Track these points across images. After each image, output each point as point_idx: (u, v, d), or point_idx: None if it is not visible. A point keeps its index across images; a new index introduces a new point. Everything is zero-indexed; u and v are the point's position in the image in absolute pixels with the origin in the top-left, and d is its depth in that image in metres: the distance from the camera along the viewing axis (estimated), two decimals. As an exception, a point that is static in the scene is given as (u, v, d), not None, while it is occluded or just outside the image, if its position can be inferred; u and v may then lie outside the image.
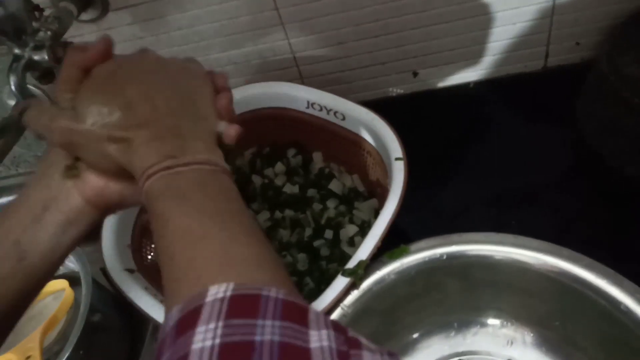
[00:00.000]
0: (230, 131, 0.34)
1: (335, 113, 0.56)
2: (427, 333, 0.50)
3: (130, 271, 0.50)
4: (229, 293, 0.23)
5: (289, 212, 0.59)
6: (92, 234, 0.35)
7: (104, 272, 0.50)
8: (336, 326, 0.24)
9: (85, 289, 0.56)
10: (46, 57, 0.48)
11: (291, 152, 0.63)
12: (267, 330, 0.22)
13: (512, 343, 0.49)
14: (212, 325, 0.22)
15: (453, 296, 0.49)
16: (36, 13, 0.50)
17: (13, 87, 0.47)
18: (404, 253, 0.47)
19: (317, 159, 0.62)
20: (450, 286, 0.48)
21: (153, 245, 0.56)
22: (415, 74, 0.68)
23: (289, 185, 0.60)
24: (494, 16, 0.61)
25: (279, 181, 0.61)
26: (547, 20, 0.61)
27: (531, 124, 0.65)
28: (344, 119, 0.56)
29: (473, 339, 0.50)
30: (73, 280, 0.63)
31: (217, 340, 0.21)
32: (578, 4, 0.60)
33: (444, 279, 0.48)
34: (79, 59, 0.32)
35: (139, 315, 0.47)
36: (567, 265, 0.43)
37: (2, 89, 0.56)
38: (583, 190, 0.58)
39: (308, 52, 0.65)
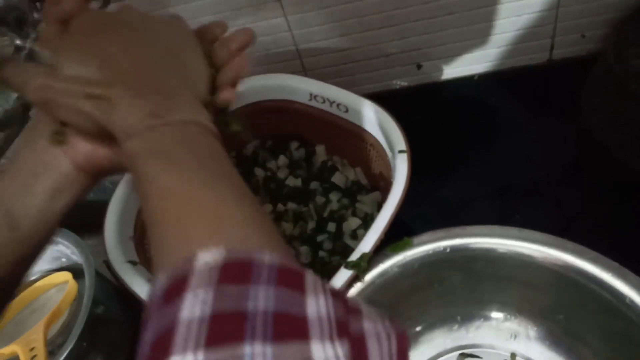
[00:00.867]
0: (225, 95, 0.33)
1: (338, 105, 0.55)
2: (430, 326, 0.50)
3: (133, 263, 0.50)
4: (219, 258, 0.21)
5: (291, 205, 0.58)
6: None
7: (107, 264, 0.50)
8: (335, 292, 0.23)
9: (88, 281, 0.56)
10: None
11: (294, 145, 0.63)
12: (261, 297, 0.21)
13: (515, 337, 0.49)
14: (201, 293, 0.20)
15: (456, 289, 0.49)
16: (37, 4, 0.50)
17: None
18: (407, 246, 0.46)
19: (320, 151, 0.62)
20: (454, 279, 0.48)
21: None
22: (419, 67, 0.68)
23: (292, 178, 0.60)
24: (499, 8, 0.60)
25: (281, 174, 0.61)
26: (552, 12, 0.61)
27: (536, 117, 0.65)
28: (346, 111, 0.55)
29: (476, 333, 0.50)
30: (76, 272, 0.63)
31: (207, 310, 0.20)
32: (584, -4, 0.59)
33: (447, 272, 0.48)
34: (54, 10, 0.31)
35: (142, 307, 0.47)
36: (572, 258, 0.43)
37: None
38: (588, 184, 0.58)
39: (311, 44, 0.64)
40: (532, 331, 0.48)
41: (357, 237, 0.55)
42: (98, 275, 0.57)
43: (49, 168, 0.31)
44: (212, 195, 0.25)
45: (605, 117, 0.58)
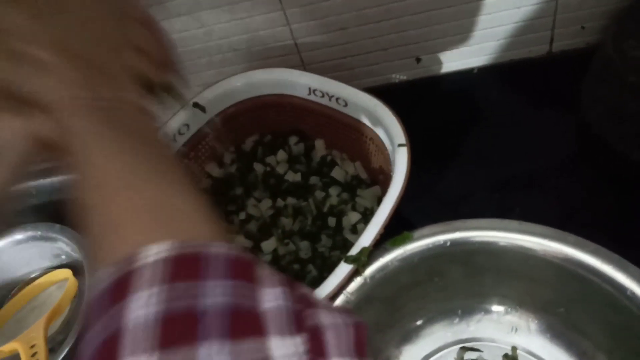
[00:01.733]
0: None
1: (337, 99, 0.55)
2: (431, 320, 0.50)
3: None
4: (167, 252, 0.20)
5: (291, 200, 0.58)
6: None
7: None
8: (289, 283, 0.22)
9: (88, 278, 0.56)
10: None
11: (293, 139, 0.63)
12: (214, 292, 0.19)
13: (516, 330, 0.49)
14: (149, 291, 0.19)
15: (456, 283, 0.49)
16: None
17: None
18: (407, 240, 0.46)
19: (319, 146, 0.62)
20: (454, 273, 0.48)
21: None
22: (418, 60, 0.68)
23: (291, 173, 0.60)
24: (498, 0, 0.60)
25: (280, 169, 0.60)
26: (552, 4, 0.60)
27: (536, 109, 0.64)
28: (346, 105, 0.55)
29: (477, 326, 0.50)
30: (76, 269, 0.63)
31: (158, 309, 0.19)
32: (584, -13, 0.59)
33: (447, 265, 0.47)
34: None
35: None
36: (572, 251, 0.43)
37: None
38: (588, 176, 0.58)
39: (309, 38, 0.64)
40: (533, 324, 0.48)
41: (357, 231, 0.55)
42: (98, 272, 0.57)
43: None
44: (154, 183, 0.23)
45: (605, 109, 0.58)
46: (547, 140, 0.61)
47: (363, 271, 0.45)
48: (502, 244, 0.45)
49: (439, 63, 0.68)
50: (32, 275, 0.67)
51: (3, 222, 0.30)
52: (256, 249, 0.56)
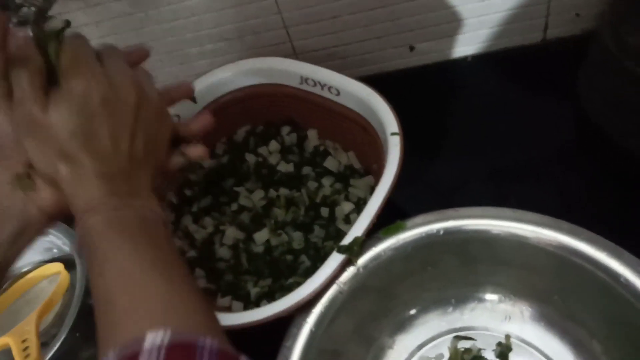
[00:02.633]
0: (198, 151, 0.37)
1: (329, 88, 0.54)
2: (425, 309, 0.50)
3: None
4: (166, 340, 0.23)
5: (283, 191, 0.58)
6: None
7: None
8: None
9: (80, 272, 0.56)
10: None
11: (285, 129, 0.62)
12: None
13: (510, 318, 0.49)
14: None
15: (450, 272, 0.48)
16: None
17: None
18: (400, 229, 0.46)
19: (312, 136, 0.61)
20: (447, 262, 0.48)
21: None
22: (412, 49, 0.67)
23: (284, 163, 0.59)
24: (492, -14, 0.59)
25: (273, 160, 0.60)
26: (546, -10, 0.60)
27: (531, 98, 0.64)
28: (338, 94, 0.54)
29: (471, 315, 0.49)
30: (68, 263, 0.63)
31: None
32: (578, -27, 0.58)
33: (440, 254, 0.47)
34: None
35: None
36: (567, 238, 0.42)
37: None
38: (584, 165, 0.57)
39: (301, 26, 0.63)
40: (527, 312, 0.48)
41: (350, 221, 0.55)
42: (89, 264, 0.56)
43: (12, 213, 0.31)
44: (163, 281, 0.27)
45: (602, 96, 0.57)
46: (542, 128, 0.60)
47: (356, 261, 0.45)
48: (495, 232, 0.44)
49: (433, 51, 0.67)
50: (24, 270, 0.66)
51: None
52: (249, 240, 0.56)
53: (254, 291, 0.52)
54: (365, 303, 0.47)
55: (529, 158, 0.59)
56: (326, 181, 0.58)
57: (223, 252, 0.56)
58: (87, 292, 0.54)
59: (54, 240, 0.62)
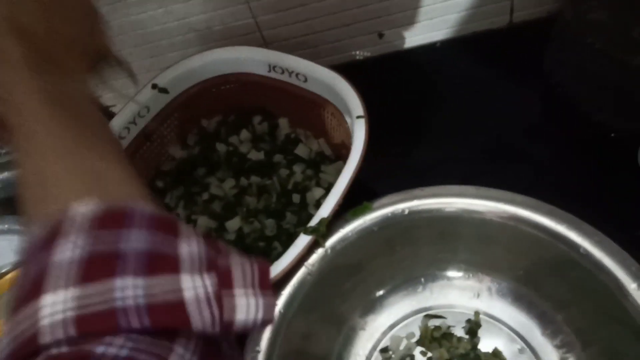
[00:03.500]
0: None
1: (297, 75, 0.55)
2: (394, 289, 0.51)
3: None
4: (94, 208, 0.23)
5: (255, 179, 0.58)
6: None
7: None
8: (207, 238, 0.25)
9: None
10: None
11: (257, 119, 0.62)
12: (134, 239, 0.22)
13: (478, 295, 0.49)
14: (74, 238, 0.22)
15: (418, 251, 0.49)
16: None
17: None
18: (367, 210, 0.46)
19: (284, 125, 0.61)
20: (415, 241, 0.48)
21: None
22: (380, 35, 0.67)
23: (254, 151, 0.60)
24: (456, -30, 0.60)
25: (244, 148, 0.60)
26: (509, -28, 0.61)
27: (499, 80, 0.65)
28: (305, 80, 0.55)
29: (440, 293, 0.50)
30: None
31: (80, 252, 0.21)
32: (540, -46, 0.59)
33: (407, 234, 0.48)
34: None
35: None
36: (527, 213, 0.43)
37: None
38: (554, 141, 0.58)
39: (269, 15, 0.63)
40: (494, 288, 0.49)
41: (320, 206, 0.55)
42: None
43: None
44: (91, 155, 0.26)
45: (567, 72, 0.58)
46: (512, 108, 0.61)
47: (323, 242, 0.45)
48: (458, 209, 0.45)
49: (402, 38, 0.68)
50: (3, 270, 0.66)
51: None
52: (221, 229, 0.56)
53: (226, 278, 0.52)
54: (334, 284, 0.47)
55: (501, 136, 0.60)
56: (297, 168, 0.58)
57: (196, 241, 0.56)
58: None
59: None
